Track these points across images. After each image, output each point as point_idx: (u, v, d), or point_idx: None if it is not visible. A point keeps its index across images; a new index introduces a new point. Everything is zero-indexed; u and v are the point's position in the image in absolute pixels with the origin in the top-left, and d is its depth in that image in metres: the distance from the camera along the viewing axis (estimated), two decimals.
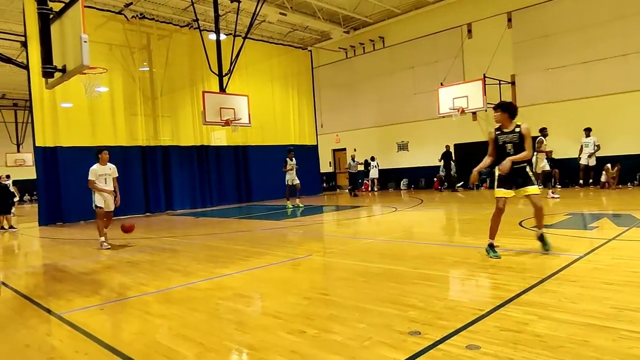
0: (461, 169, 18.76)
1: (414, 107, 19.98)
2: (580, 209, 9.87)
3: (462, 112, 16.09)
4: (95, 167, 8.14)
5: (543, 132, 12.50)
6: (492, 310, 3.50)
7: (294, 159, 14.42)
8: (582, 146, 14.75)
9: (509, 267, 4.94)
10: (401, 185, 21.16)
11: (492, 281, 4.56)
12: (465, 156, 18.66)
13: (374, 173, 21.00)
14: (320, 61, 23.63)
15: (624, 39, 14.70)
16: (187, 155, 16.91)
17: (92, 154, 14.35)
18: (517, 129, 5.42)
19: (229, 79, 15.00)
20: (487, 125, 18.21)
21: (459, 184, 18.56)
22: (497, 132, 5.58)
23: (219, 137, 17.95)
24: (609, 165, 14.40)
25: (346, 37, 21.80)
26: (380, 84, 21.52)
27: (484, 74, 16.14)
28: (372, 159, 21.07)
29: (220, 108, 14.58)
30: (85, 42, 5.89)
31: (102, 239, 8.13)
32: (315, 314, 3.72)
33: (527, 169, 5.49)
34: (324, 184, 23.34)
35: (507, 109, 5.50)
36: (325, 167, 23.83)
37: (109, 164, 8.29)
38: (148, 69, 16.18)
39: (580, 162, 14.71)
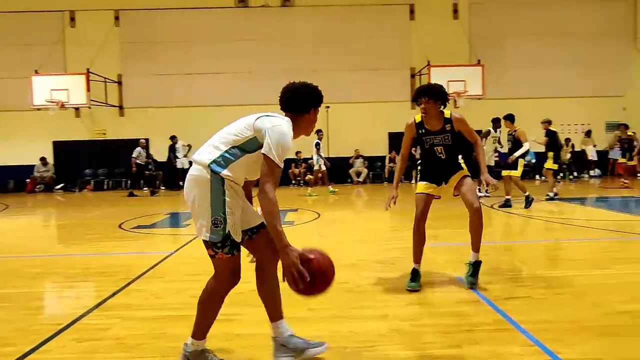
0: (62, 169, 17.06)
1: (2, 95, 16.71)
2: (178, 208, 10.67)
3: (62, 106, 14.67)
4: (288, 127, 2.37)
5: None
6: (73, 322, 3.20)
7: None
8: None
9: (101, 272, 4.74)
10: None
11: (79, 290, 4.25)
12: (66, 155, 17.07)
13: None
14: None
15: (219, 59, 16.88)
16: None
17: None
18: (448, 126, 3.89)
19: None
20: (92, 123, 17.28)
21: (57, 186, 16.78)
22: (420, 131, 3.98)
23: None
24: None
25: None
26: None
27: (88, 69, 15.22)
28: None
29: None
30: None
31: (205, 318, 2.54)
32: None
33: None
34: None
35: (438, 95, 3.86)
36: None
37: None
38: None
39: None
